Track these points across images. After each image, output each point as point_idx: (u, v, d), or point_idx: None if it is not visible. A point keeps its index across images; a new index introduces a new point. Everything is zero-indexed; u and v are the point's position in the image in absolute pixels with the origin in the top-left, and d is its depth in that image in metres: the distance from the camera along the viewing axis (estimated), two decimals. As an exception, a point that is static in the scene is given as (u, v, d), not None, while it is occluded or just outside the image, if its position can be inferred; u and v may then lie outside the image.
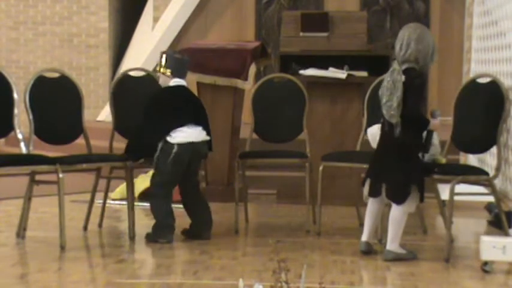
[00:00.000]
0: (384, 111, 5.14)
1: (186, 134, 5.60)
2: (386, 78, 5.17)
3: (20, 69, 10.79)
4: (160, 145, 5.59)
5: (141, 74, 6.35)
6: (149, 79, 6.21)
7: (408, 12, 10.15)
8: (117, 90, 6.20)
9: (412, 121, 5.12)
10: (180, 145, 5.56)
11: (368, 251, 5.29)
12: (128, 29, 11.03)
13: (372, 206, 5.31)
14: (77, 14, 10.82)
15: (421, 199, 5.20)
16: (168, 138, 5.58)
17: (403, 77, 5.09)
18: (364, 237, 5.31)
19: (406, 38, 5.15)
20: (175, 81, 5.71)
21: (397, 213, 5.15)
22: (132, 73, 6.35)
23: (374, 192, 5.24)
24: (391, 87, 5.10)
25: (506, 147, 6.39)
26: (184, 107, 5.64)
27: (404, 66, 5.14)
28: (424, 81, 5.24)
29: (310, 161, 6.13)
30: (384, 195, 5.21)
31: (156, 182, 5.64)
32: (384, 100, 5.13)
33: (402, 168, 5.10)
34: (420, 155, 5.17)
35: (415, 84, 5.11)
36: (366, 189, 5.31)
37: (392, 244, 5.16)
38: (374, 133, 5.69)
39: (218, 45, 7.52)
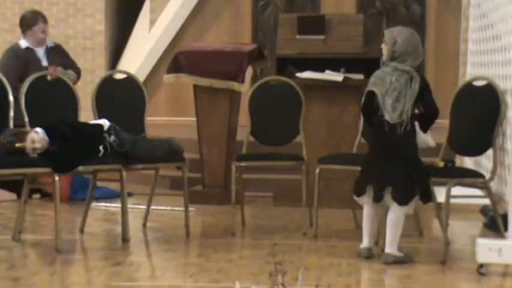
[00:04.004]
0: (390, 112, 5.11)
1: None
2: (390, 78, 5.15)
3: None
4: None
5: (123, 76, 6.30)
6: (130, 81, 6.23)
7: (404, 15, 10.15)
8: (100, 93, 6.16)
9: (433, 117, 5.19)
10: None
11: (370, 257, 5.23)
12: (124, 31, 11.02)
13: (370, 211, 5.26)
14: (73, 16, 10.81)
15: (427, 199, 5.21)
16: None
17: (418, 77, 5.13)
18: (365, 243, 5.26)
19: (392, 37, 5.17)
20: None
21: (397, 216, 5.13)
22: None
23: (378, 198, 5.18)
24: (400, 87, 5.11)
25: (501, 150, 6.38)
26: None
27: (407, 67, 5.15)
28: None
29: (307, 164, 6.13)
30: (384, 199, 5.17)
31: None
32: (389, 101, 5.12)
33: (407, 170, 5.10)
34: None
35: (427, 82, 5.21)
36: (365, 196, 5.23)
37: (391, 247, 5.15)
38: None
39: (215, 48, 7.52)
